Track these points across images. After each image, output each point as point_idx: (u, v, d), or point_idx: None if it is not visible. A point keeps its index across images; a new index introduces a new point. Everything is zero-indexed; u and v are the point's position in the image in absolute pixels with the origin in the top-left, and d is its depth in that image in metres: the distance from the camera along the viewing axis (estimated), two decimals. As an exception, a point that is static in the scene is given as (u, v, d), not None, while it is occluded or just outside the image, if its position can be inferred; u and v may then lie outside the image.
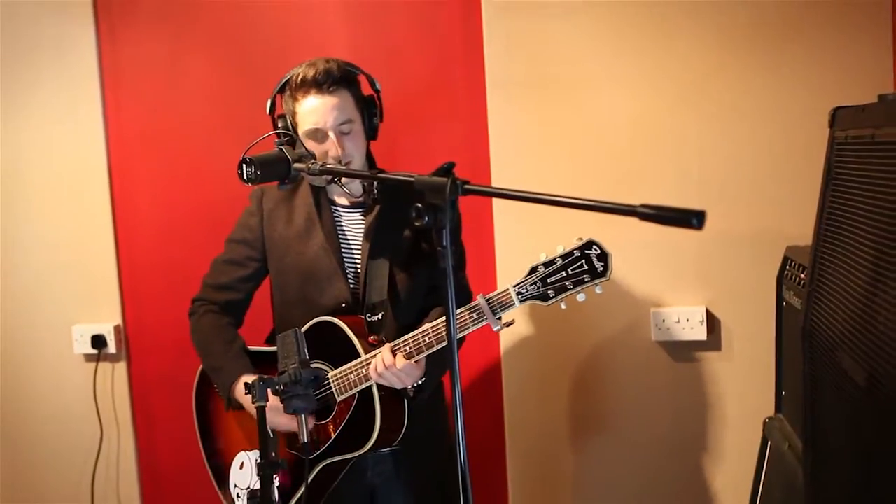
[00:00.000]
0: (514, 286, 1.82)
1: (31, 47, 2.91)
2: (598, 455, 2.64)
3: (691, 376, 2.54)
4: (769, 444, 2.14)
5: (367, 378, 1.92)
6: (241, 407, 2.08)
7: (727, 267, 2.46)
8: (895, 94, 1.43)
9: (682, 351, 2.53)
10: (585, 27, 2.50)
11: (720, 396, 2.52)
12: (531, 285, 1.80)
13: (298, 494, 2.03)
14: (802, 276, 1.90)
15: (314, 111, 1.99)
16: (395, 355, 1.88)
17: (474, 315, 1.84)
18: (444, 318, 1.83)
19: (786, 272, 2.08)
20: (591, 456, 2.64)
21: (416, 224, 1.29)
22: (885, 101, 1.42)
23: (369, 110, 2.08)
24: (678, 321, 2.49)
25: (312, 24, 2.74)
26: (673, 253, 2.49)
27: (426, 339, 1.87)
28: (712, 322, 2.50)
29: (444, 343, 1.84)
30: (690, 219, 1.05)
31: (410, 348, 1.88)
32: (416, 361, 1.89)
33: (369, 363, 1.92)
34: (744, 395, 2.48)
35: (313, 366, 1.77)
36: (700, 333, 2.49)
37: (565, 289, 1.79)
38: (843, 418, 1.47)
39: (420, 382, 1.96)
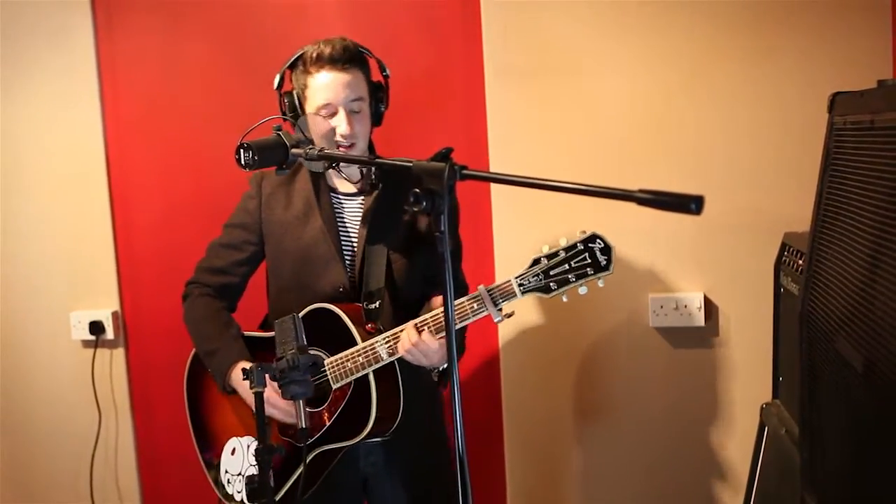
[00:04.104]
0: (517, 277, 1.81)
1: (29, 37, 2.91)
2: (596, 441, 2.64)
3: (689, 362, 2.54)
4: (766, 429, 2.14)
5: (363, 367, 1.92)
6: (234, 391, 2.07)
7: (725, 253, 2.47)
8: (894, 79, 1.42)
9: (680, 337, 2.54)
10: (584, 15, 2.49)
11: (718, 382, 2.53)
12: (533, 277, 1.80)
13: (293, 479, 2.03)
14: (800, 262, 1.90)
15: (327, 86, 1.98)
16: (420, 332, 1.86)
17: (475, 305, 1.83)
18: (464, 298, 1.83)
19: (784, 258, 2.08)
20: (590, 441, 2.65)
21: (415, 209, 1.29)
22: (884, 87, 1.42)
23: (377, 95, 2.09)
24: (676, 307, 2.50)
25: (310, 12, 2.73)
26: (671, 239, 2.49)
27: (464, 309, 1.85)
28: (710, 308, 2.50)
29: (466, 322, 1.84)
30: (689, 204, 1.05)
31: (430, 327, 1.87)
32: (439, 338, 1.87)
33: (366, 351, 1.91)
34: (741, 380, 2.49)
35: (311, 352, 1.77)
36: (698, 319, 2.49)
37: (568, 281, 1.78)
38: (840, 403, 1.48)
39: (445, 366, 1.94)
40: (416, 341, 1.85)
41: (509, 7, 2.53)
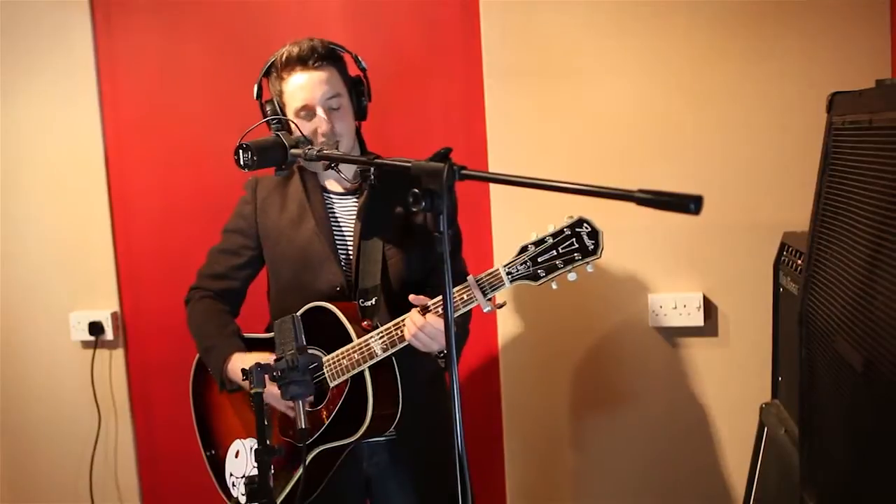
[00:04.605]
0: (505, 266, 1.79)
1: (28, 37, 2.91)
2: (595, 440, 2.64)
3: (688, 362, 2.54)
4: (765, 429, 2.15)
5: (359, 363, 1.92)
6: (234, 389, 2.07)
7: (724, 253, 2.46)
8: (893, 79, 1.42)
9: (679, 337, 2.54)
10: (582, 15, 2.49)
11: (717, 382, 2.53)
12: (521, 265, 1.78)
13: (294, 479, 2.03)
14: (799, 261, 1.90)
15: (302, 87, 1.98)
16: (425, 316, 1.84)
17: (465, 295, 1.82)
18: (454, 289, 1.81)
19: (783, 258, 2.08)
20: (589, 441, 2.65)
21: (414, 209, 1.29)
22: (882, 87, 1.42)
23: (357, 89, 2.08)
24: (675, 307, 2.50)
25: (308, 11, 2.73)
26: (670, 239, 2.49)
27: (453, 300, 1.83)
28: (709, 308, 2.50)
29: (471, 305, 1.83)
30: (688, 204, 1.04)
31: (441, 312, 1.85)
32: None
33: (361, 348, 1.91)
34: (740, 380, 2.49)
35: (309, 352, 1.77)
36: (697, 319, 2.49)
37: (556, 268, 1.76)
38: (840, 403, 1.48)
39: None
40: (422, 324, 1.83)
41: (508, 8, 2.53)
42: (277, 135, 1.75)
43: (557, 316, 2.60)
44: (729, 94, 2.42)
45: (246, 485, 1.68)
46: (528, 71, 2.54)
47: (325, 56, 2.00)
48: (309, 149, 1.70)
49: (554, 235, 1.77)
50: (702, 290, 2.50)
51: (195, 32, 2.82)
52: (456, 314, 1.85)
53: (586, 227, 1.75)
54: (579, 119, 2.52)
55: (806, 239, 1.68)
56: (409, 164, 1.37)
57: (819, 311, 1.57)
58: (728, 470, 2.55)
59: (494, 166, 2.58)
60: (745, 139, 2.41)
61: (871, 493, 1.34)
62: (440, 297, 1.84)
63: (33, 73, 2.92)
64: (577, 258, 1.75)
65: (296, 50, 1.98)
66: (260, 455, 1.64)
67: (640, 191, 1.09)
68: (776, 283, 2.12)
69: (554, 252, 1.76)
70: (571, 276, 1.77)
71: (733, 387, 2.51)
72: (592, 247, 1.74)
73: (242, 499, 2.07)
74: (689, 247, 2.49)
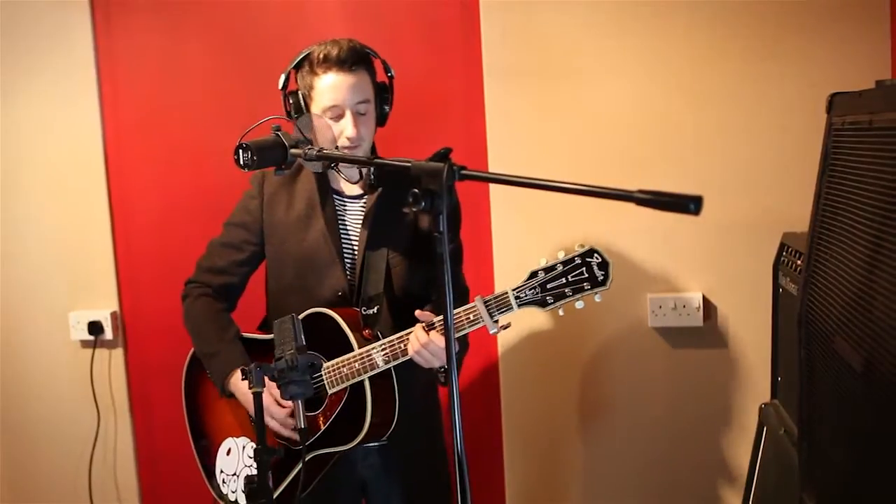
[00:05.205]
0: (514, 290, 1.81)
1: (28, 37, 2.91)
2: (595, 441, 2.64)
3: (688, 362, 2.54)
4: (765, 429, 2.15)
5: (359, 373, 1.92)
6: (232, 395, 2.07)
7: (724, 253, 2.47)
8: (893, 80, 1.43)
9: (679, 337, 2.54)
10: (582, 16, 2.49)
11: (716, 382, 2.53)
12: (530, 290, 1.80)
13: (287, 481, 2.03)
14: (799, 262, 1.90)
15: (335, 87, 1.96)
16: (428, 333, 1.85)
17: (471, 316, 1.83)
18: (460, 308, 1.83)
19: (782, 258, 2.08)
20: (589, 442, 2.65)
21: (413, 209, 1.29)
22: (882, 87, 1.42)
23: (382, 96, 2.08)
24: (675, 307, 2.50)
25: (310, 12, 2.72)
26: (670, 239, 2.49)
27: (460, 319, 1.86)
28: (709, 308, 2.50)
29: (478, 325, 1.84)
30: (688, 204, 1.04)
31: (437, 328, 1.86)
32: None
33: (363, 358, 1.91)
34: (740, 380, 2.49)
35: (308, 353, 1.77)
36: (697, 320, 2.49)
37: (564, 295, 1.79)
38: (839, 403, 1.48)
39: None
40: (425, 341, 1.84)
41: (508, 8, 2.53)
42: (277, 134, 1.74)
43: (557, 317, 2.59)
44: (729, 95, 2.42)
45: (246, 485, 1.68)
46: (528, 71, 2.54)
47: (361, 59, 2.00)
48: (309, 149, 1.70)
49: (564, 263, 1.79)
50: (701, 290, 2.50)
51: (195, 32, 2.82)
52: (459, 334, 1.86)
53: (597, 258, 1.77)
54: (579, 119, 2.52)
55: (805, 239, 1.68)
56: (408, 165, 1.36)
57: (819, 312, 1.57)
58: (727, 470, 2.55)
59: (494, 166, 2.58)
60: (744, 139, 2.42)
61: (870, 493, 1.34)
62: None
63: (33, 73, 2.92)
64: (586, 287, 1.78)
65: (335, 50, 1.96)
66: (259, 455, 1.64)
67: (640, 191, 1.08)
68: (776, 284, 2.12)
69: (563, 280, 1.79)
70: (579, 304, 1.80)
71: (733, 387, 2.51)
72: (602, 277, 1.77)
73: (232, 496, 2.08)
74: (689, 247, 2.49)
